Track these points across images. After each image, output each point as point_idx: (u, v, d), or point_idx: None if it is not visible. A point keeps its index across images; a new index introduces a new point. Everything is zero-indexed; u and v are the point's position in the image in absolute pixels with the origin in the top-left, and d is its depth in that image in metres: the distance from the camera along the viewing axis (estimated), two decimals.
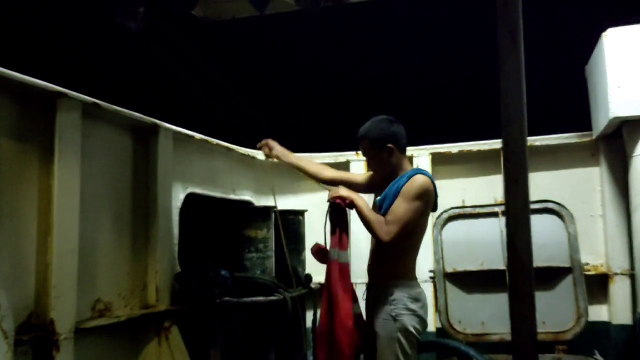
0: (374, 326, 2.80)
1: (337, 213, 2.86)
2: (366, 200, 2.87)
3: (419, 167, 4.66)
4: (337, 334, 2.70)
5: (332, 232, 2.87)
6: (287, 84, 7.24)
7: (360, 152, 3.19)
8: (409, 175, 2.76)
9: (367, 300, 2.92)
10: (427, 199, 2.73)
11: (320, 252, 2.95)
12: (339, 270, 2.79)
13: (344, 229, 2.86)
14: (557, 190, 4.50)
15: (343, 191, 2.83)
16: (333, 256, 2.82)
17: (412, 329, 2.69)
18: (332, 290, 2.77)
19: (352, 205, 2.80)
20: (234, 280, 3.38)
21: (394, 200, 2.72)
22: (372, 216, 2.72)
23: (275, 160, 3.38)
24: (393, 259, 2.79)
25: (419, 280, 2.90)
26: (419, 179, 2.72)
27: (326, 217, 2.90)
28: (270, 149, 3.33)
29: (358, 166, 4.68)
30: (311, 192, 4.52)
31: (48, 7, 5.45)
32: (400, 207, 2.66)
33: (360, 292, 2.95)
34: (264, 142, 3.37)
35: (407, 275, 2.79)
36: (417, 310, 2.73)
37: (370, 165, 2.99)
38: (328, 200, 2.87)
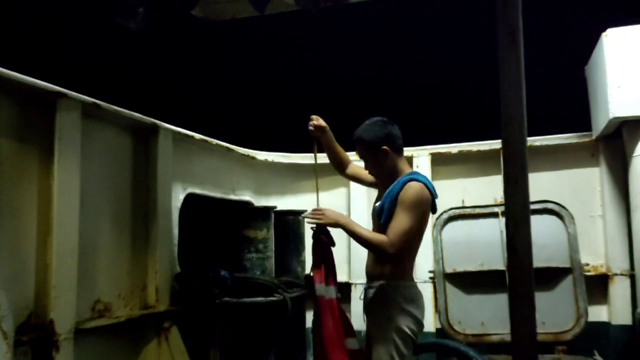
0: (370, 327, 2.80)
1: (321, 247, 2.78)
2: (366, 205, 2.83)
3: (419, 167, 4.66)
4: None
5: (317, 267, 2.78)
6: (286, 84, 7.24)
7: None
8: (403, 182, 2.73)
9: (364, 300, 2.92)
10: (424, 205, 2.71)
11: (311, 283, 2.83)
12: (328, 306, 2.73)
13: (329, 265, 2.79)
14: (557, 191, 4.50)
15: (328, 218, 2.73)
16: (320, 292, 2.75)
17: (407, 330, 2.69)
18: (323, 330, 2.71)
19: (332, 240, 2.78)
20: (234, 280, 3.38)
21: (391, 207, 2.71)
22: (368, 234, 2.71)
23: (317, 137, 3.06)
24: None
25: (419, 280, 2.89)
26: (413, 187, 2.69)
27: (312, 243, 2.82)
28: (322, 133, 3.06)
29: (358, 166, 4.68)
30: (311, 192, 4.51)
31: (48, 7, 5.44)
32: (400, 218, 2.65)
33: (359, 293, 2.94)
34: (318, 122, 3.05)
35: (403, 276, 2.79)
36: (412, 310, 2.72)
37: (368, 168, 2.99)
38: (312, 229, 2.80)
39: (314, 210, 2.78)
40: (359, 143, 2.89)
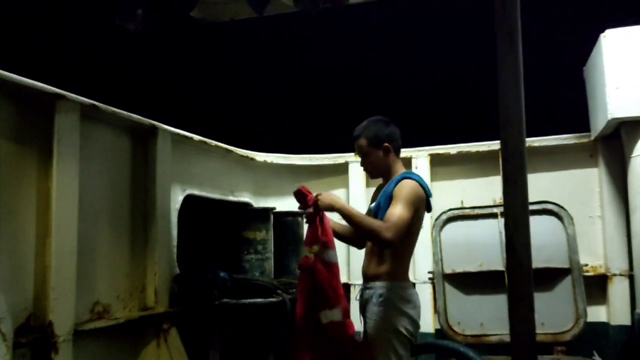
0: (366, 327, 2.80)
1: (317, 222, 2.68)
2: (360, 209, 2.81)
3: (418, 168, 4.67)
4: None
5: (313, 227, 2.68)
6: (286, 85, 7.25)
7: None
8: (397, 181, 2.77)
9: (360, 301, 2.92)
10: (418, 201, 2.73)
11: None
12: (330, 270, 2.66)
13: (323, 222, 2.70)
14: (555, 192, 4.50)
15: (323, 202, 2.67)
16: (327, 258, 2.67)
17: (403, 330, 2.69)
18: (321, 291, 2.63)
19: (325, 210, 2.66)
20: (233, 281, 3.38)
21: (386, 205, 2.73)
22: (364, 216, 2.70)
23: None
24: (386, 260, 2.79)
25: (418, 281, 2.90)
26: (407, 183, 2.73)
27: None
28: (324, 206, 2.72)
29: (357, 168, 4.68)
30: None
31: (47, 9, 5.45)
32: (396, 207, 2.66)
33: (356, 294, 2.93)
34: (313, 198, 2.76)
35: (399, 276, 2.79)
36: (408, 311, 2.73)
37: (365, 164, 2.99)
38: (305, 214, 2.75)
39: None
40: (360, 139, 2.91)
